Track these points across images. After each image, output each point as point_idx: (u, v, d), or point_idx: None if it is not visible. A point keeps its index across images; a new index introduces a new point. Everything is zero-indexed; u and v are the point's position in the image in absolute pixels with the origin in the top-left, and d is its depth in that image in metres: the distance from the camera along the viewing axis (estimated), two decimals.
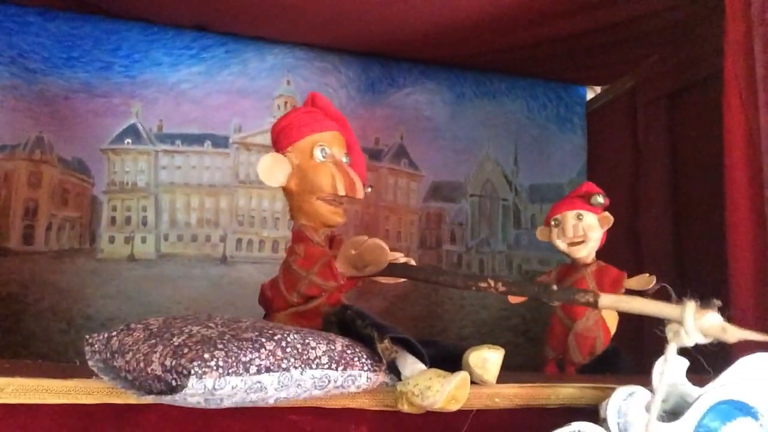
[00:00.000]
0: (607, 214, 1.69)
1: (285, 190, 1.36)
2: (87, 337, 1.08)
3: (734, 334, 0.92)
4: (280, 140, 1.37)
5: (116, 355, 1.02)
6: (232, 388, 0.91)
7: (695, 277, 2.05)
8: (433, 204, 2.54)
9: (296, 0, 2.00)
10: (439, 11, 2.01)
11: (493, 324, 2.46)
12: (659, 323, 2.27)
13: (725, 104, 1.50)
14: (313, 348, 1.01)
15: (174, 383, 0.91)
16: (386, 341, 1.05)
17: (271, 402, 0.98)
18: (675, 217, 2.21)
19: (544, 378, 1.12)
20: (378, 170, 2.47)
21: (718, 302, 0.94)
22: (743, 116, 1.46)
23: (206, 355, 0.90)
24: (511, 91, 2.63)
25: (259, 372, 0.93)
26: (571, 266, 1.74)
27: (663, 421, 1.00)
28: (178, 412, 1.00)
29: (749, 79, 1.44)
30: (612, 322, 1.67)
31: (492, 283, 1.11)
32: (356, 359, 1.05)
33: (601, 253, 1.75)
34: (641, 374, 1.06)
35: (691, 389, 1.05)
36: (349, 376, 1.03)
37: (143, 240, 2.24)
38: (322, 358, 1.01)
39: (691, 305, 0.95)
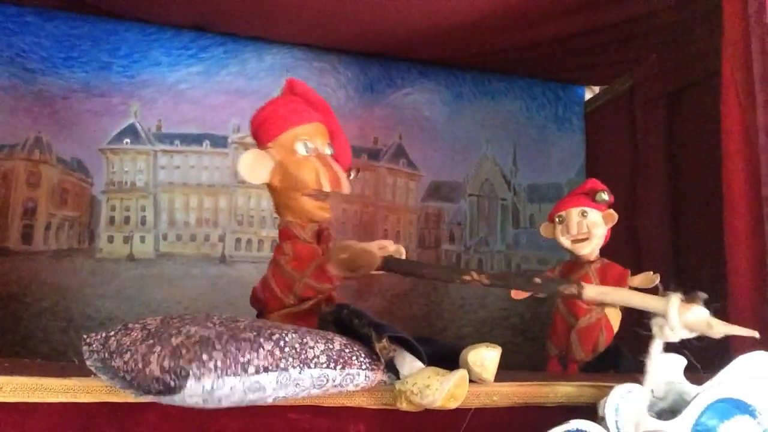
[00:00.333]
0: (611, 211, 1.69)
1: (269, 186, 1.33)
2: (85, 336, 1.08)
3: (720, 329, 0.92)
4: (259, 135, 1.33)
5: (114, 355, 1.02)
6: (231, 388, 0.91)
7: (693, 275, 2.06)
8: (432, 204, 2.54)
9: (295, 0, 2.00)
10: (437, 11, 2.02)
11: (492, 323, 2.46)
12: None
13: (723, 104, 1.50)
14: (311, 347, 1.01)
15: (172, 384, 0.91)
16: (384, 340, 1.05)
17: (269, 401, 0.98)
18: (673, 216, 2.22)
19: (542, 376, 1.12)
20: (377, 170, 2.47)
21: (703, 295, 0.93)
22: (741, 116, 1.46)
23: (204, 357, 0.90)
24: (509, 91, 2.64)
25: (257, 372, 0.93)
26: (574, 263, 1.73)
27: (662, 419, 1.00)
28: (176, 410, 1.00)
29: (747, 79, 1.44)
30: (615, 320, 1.67)
31: (475, 275, 1.11)
32: (354, 358, 1.05)
33: (599, 252, 1.75)
34: (643, 372, 1.06)
35: (689, 387, 1.05)
36: (348, 374, 1.03)
37: (142, 240, 2.24)
38: (321, 357, 1.01)
39: (676, 298, 0.94)
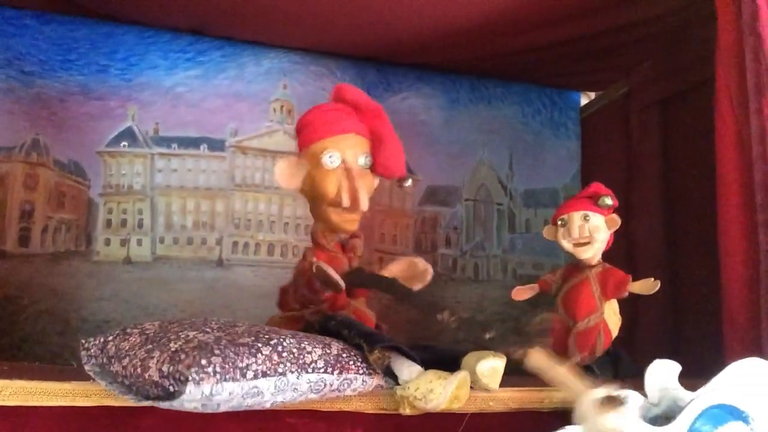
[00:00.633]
0: (614, 215, 1.67)
1: (301, 192, 1.36)
2: (83, 341, 1.08)
3: None
4: (299, 141, 1.36)
5: (113, 360, 1.03)
6: (229, 393, 0.91)
7: (687, 281, 2.07)
8: (429, 208, 2.55)
9: (292, 5, 2.01)
10: (434, 17, 2.03)
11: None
12: (654, 323, 2.28)
13: (716, 111, 1.52)
14: (309, 352, 1.02)
15: (171, 389, 0.91)
16: (376, 351, 1.06)
17: (267, 406, 0.99)
18: (668, 221, 2.23)
19: (537, 382, 1.12)
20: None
21: (627, 397, 0.92)
22: (734, 123, 1.48)
23: (203, 362, 0.91)
24: (506, 96, 2.65)
25: (255, 377, 0.94)
26: (576, 267, 1.72)
27: (656, 425, 1.01)
28: (175, 414, 1.00)
29: (740, 86, 1.45)
30: (614, 325, 1.67)
31: (447, 316, 1.13)
32: (352, 363, 1.06)
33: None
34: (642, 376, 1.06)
35: (683, 393, 1.05)
36: (345, 379, 1.04)
37: (139, 243, 2.24)
38: (318, 362, 1.02)
39: (594, 399, 0.93)
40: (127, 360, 0.99)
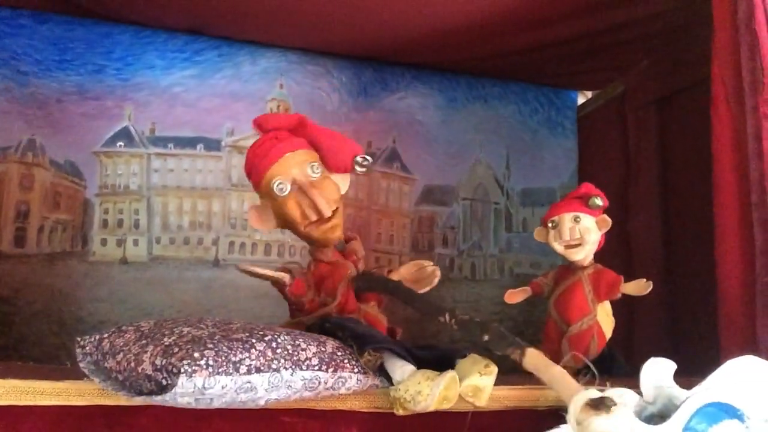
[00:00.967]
0: (605, 216, 1.66)
1: (279, 227, 1.39)
2: (78, 339, 1.08)
3: None
4: (252, 185, 1.38)
5: (107, 357, 1.03)
6: (222, 387, 0.91)
7: (684, 280, 2.07)
8: (425, 207, 2.55)
9: (289, 4, 2.01)
10: (431, 16, 2.03)
11: None
12: (651, 322, 2.28)
13: (713, 109, 1.51)
14: (304, 349, 1.02)
15: (164, 382, 0.91)
16: (366, 354, 1.06)
17: (261, 403, 0.99)
18: (664, 220, 2.23)
19: (533, 380, 1.12)
20: (370, 174, 2.47)
21: (613, 402, 0.91)
22: (730, 121, 1.47)
23: (196, 354, 0.91)
24: (503, 95, 2.65)
25: (249, 372, 0.94)
26: (568, 269, 1.71)
27: (651, 423, 1.01)
28: (169, 413, 1.00)
29: (736, 84, 1.45)
30: (608, 327, 1.66)
31: (448, 318, 1.14)
32: (346, 361, 1.06)
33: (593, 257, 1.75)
34: (635, 377, 1.06)
35: (678, 392, 1.05)
36: (339, 377, 1.04)
37: (135, 243, 2.23)
38: (313, 359, 1.01)
39: (582, 400, 0.92)
40: (121, 355, 1.00)
